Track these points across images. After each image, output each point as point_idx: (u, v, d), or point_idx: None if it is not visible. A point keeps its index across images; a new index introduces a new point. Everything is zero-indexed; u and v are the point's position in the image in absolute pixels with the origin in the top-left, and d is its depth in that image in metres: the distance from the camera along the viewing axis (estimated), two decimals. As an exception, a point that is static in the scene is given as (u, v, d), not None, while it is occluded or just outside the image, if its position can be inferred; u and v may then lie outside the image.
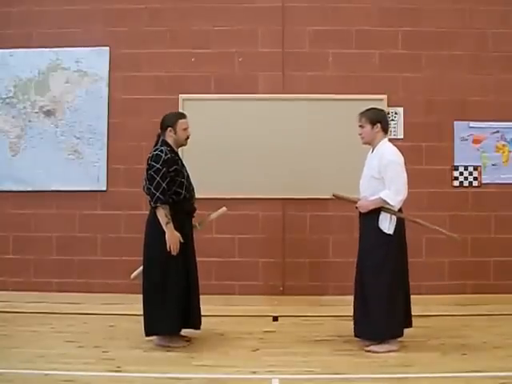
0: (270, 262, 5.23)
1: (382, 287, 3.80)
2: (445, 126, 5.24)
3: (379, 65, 5.25)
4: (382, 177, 3.85)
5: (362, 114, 4.03)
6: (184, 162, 4.10)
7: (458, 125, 5.23)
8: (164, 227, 3.81)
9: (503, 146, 5.25)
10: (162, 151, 3.85)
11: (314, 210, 5.13)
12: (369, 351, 3.83)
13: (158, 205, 3.79)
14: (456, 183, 5.24)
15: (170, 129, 3.97)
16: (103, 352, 3.87)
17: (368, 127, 3.96)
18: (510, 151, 5.25)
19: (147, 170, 3.86)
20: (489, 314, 4.83)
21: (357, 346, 3.99)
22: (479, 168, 5.23)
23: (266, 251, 5.22)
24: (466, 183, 5.24)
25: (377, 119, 3.97)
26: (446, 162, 5.24)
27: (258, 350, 3.96)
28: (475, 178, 5.24)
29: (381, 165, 3.86)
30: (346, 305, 4.84)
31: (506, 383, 3.28)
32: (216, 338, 4.14)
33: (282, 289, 5.23)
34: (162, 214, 3.81)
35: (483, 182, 5.24)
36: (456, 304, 5.03)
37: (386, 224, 3.85)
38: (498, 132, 5.23)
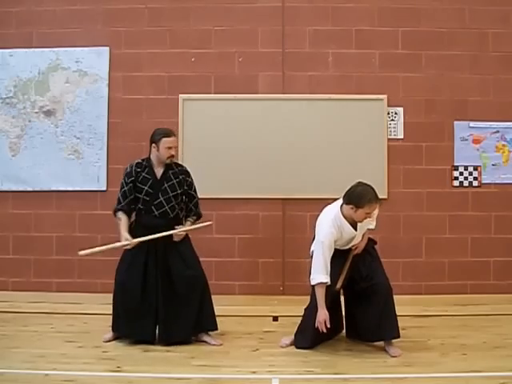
0: (270, 261, 5.23)
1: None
2: (445, 125, 5.24)
3: (379, 65, 5.25)
4: None
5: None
6: (171, 177, 4.12)
7: (458, 125, 5.23)
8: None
9: (503, 146, 5.25)
10: (130, 165, 4.12)
11: (313, 209, 5.09)
12: (399, 355, 3.81)
13: (115, 213, 4.09)
14: (456, 183, 5.24)
15: (154, 145, 4.10)
16: (103, 352, 3.87)
17: None
18: (510, 151, 5.25)
19: None
20: (489, 314, 4.82)
21: (357, 345, 3.99)
22: (479, 168, 5.23)
23: (266, 251, 5.22)
24: (466, 183, 5.24)
25: None
26: (446, 161, 5.24)
27: (257, 350, 3.97)
28: (475, 178, 5.24)
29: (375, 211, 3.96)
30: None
31: (506, 383, 3.28)
32: (216, 338, 4.13)
33: (282, 289, 5.23)
34: (118, 223, 4.04)
35: (483, 181, 5.24)
36: (456, 304, 5.03)
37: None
38: (498, 132, 5.23)
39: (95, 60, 5.29)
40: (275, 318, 4.80)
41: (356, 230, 3.90)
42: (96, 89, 5.29)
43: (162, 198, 4.06)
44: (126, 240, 3.89)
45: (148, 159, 4.14)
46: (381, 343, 3.93)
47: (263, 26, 5.27)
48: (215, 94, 5.27)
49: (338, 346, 4.01)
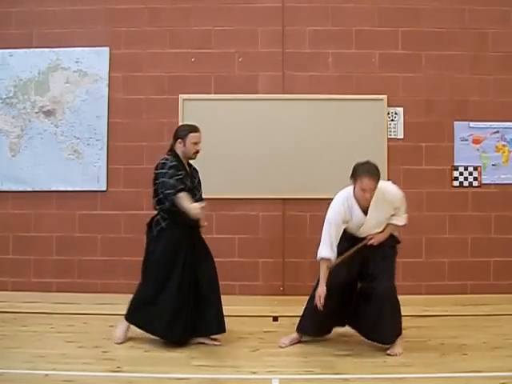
0: (270, 261, 5.23)
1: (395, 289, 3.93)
2: (445, 125, 5.24)
3: (379, 65, 5.25)
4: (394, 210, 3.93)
5: (374, 176, 3.73)
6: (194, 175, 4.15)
7: (458, 125, 5.24)
8: (188, 212, 3.77)
9: (503, 146, 5.25)
10: (167, 159, 3.96)
11: (313, 210, 5.12)
12: (395, 355, 3.80)
13: (173, 198, 3.78)
14: (456, 183, 5.24)
15: (180, 140, 4.03)
16: (103, 352, 3.87)
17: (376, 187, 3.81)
18: (510, 151, 5.25)
19: (155, 179, 3.95)
20: (489, 314, 4.83)
21: (357, 345, 3.99)
22: (479, 168, 5.23)
23: (266, 251, 5.22)
24: (465, 183, 5.24)
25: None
26: (446, 161, 5.24)
27: (257, 350, 3.97)
28: (475, 178, 5.24)
29: (396, 205, 3.90)
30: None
31: (506, 383, 3.28)
32: (215, 339, 4.12)
33: (282, 289, 5.23)
34: (182, 202, 3.76)
35: (483, 182, 5.24)
36: (456, 304, 5.03)
37: (397, 234, 4.04)
38: (498, 132, 5.23)
39: (95, 60, 5.29)
40: (275, 318, 4.80)
41: (366, 215, 3.84)
42: (96, 89, 5.29)
43: (198, 195, 4.07)
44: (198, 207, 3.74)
45: (176, 155, 4.03)
46: (381, 344, 3.94)
47: (263, 26, 5.27)
48: (215, 94, 5.27)
49: (338, 346, 4.01)
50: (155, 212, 4.08)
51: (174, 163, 3.94)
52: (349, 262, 3.90)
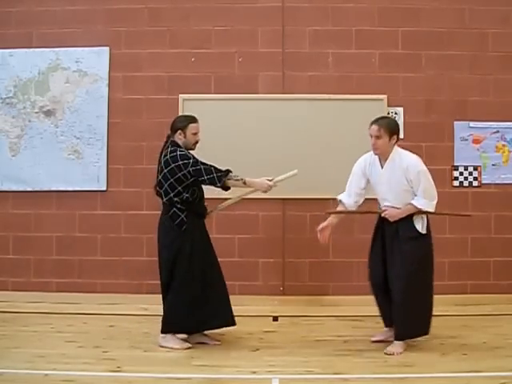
0: (270, 262, 5.23)
1: (427, 285, 4.02)
2: (445, 125, 5.24)
3: (379, 65, 5.25)
4: (412, 186, 3.85)
5: (379, 123, 3.84)
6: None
7: (458, 125, 5.24)
8: (246, 186, 4.01)
9: (503, 145, 5.25)
10: (182, 150, 3.94)
11: (314, 209, 5.12)
12: (392, 354, 3.80)
13: (224, 179, 3.93)
14: (456, 183, 5.24)
15: (180, 132, 4.01)
16: (103, 352, 3.86)
17: (386, 139, 3.82)
18: (510, 151, 5.25)
19: (178, 171, 3.88)
20: (489, 314, 4.83)
21: (357, 345, 3.99)
22: (479, 168, 5.24)
23: (266, 251, 5.22)
24: (465, 183, 5.24)
25: (395, 130, 3.87)
26: (446, 161, 5.24)
27: (257, 350, 3.96)
28: (475, 178, 5.24)
29: (409, 177, 3.83)
30: (346, 305, 4.88)
31: (506, 383, 3.28)
32: (214, 338, 4.12)
33: (282, 289, 5.23)
34: (235, 182, 3.97)
35: (483, 182, 5.24)
36: (456, 304, 5.03)
37: (420, 226, 3.95)
38: (498, 132, 5.24)
39: (95, 60, 5.29)
40: (275, 318, 4.80)
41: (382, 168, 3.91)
42: (96, 89, 5.29)
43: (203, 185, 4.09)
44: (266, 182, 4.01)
45: (177, 145, 3.99)
46: (382, 343, 3.94)
47: (263, 26, 5.26)
48: (215, 94, 5.27)
49: (338, 346, 4.01)
50: (161, 208, 4.04)
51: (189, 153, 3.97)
52: (380, 258, 3.98)
